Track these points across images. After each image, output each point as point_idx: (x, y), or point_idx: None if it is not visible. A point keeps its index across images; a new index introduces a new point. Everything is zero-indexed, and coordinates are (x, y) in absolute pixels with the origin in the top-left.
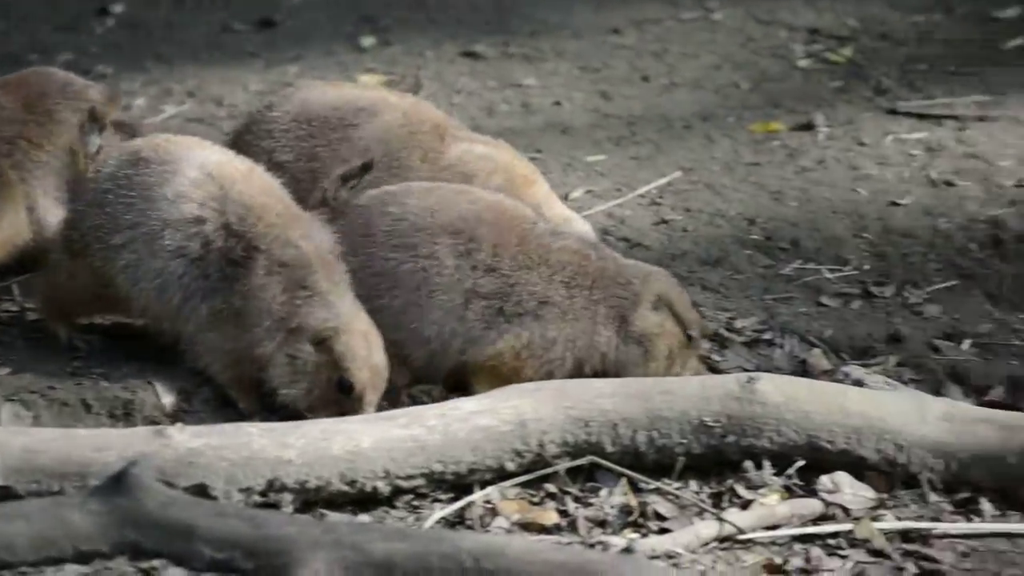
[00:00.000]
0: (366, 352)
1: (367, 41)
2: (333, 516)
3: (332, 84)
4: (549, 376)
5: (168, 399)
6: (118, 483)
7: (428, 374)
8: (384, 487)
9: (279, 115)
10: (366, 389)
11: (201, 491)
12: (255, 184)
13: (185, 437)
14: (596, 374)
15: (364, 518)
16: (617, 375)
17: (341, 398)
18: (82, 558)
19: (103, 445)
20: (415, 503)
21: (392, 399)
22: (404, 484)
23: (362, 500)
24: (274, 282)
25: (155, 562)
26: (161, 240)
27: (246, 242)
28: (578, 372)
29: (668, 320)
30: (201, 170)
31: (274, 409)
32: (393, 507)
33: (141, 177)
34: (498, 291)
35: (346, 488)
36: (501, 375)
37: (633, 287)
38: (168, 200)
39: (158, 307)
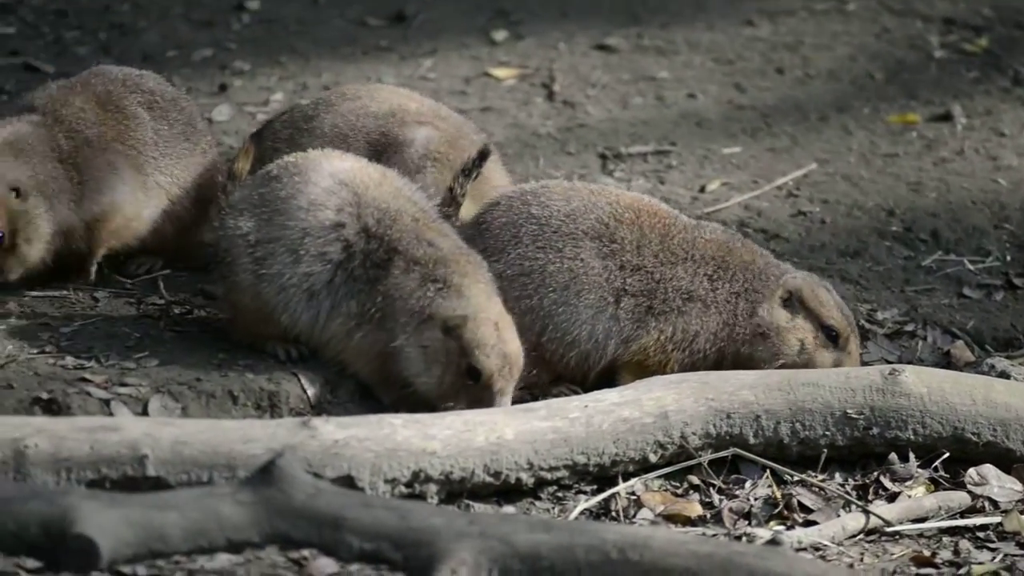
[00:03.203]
0: (495, 340)
1: (500, 35)
2: (479, 507)
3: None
4: (693, 368)
5: (312, 390)
6: (267, 474)
7: (576, 376)
8: (528, 478)
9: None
10: (494, 375)
11: (348, 482)
12: (387, 189)
13: (330, 428)
14: (735, 366)
15: (509, 509)
16: (749, 368)
17: (471, 385)
18: (234, 548)
19: (250, 436)
20: (559, 494)
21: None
22: (548, 476)
23: (506, 491)
24: (410, 279)
25: (304, 552)
26: (303, 247)
27: (386, 244)
28: (719, 363)
29: (799, 316)
30: (333, 178)
31: (416, 404)
32: (538, 498)
33: (273, 193)
34: (645, 289)
35: (490, 479)
36: (647, 368)
37: (769, 283)
38: (304, 209)
39: (306, 312)
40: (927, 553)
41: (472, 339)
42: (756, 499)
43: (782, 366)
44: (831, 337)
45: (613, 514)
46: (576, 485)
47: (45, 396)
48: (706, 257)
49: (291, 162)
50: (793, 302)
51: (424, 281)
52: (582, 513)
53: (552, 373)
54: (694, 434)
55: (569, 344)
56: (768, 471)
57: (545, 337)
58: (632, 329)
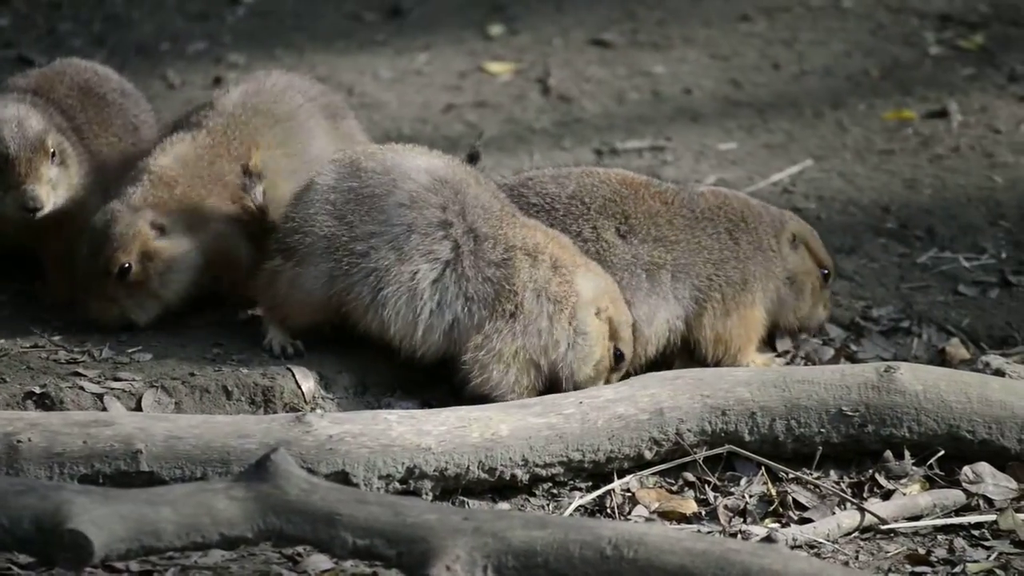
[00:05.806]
0: (626, 316)
1: (495, 29)
2: (473, 504)
3: None
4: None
5: (307, 385)
6: (261, 470)
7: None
8: (523, 475)
9: None
10: (632, 354)
11: (342, 478)
12: (486, 187)
13: (325, 424)
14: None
15: (504, 506)
16: (776, 316)
17: (611, 367)
18: (227, 544)
19: (244, 432)
20: (554, 491)
21: None
22: (542, 472)
23: (501, 488)
24: (541, 271)
25: (299, 548)
26: (408, 245)
27: (502, 242)
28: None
29: (807, 257)
30: (431, 175)
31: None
32: (532, 495)
33: (369, 188)
34: (676, 261)
35: (485, 476)
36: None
37: (774, 222)
38: (406, 207)
39: (406, 313)
40: (922, 551)
41: (617, 319)
42: (751, 496)
43: (801, 311)
44: (825, 278)
45: (608, 511)
46: (571, 482)
47: (38, 390)
48: (711, 209)
49: (376, 153)
50: (798, 244)
51: (555, 268)
52: (577, 510)
53: None
54: (689, 431)
55: None
56: (763, 468)
57: None
58: (677, 304)
